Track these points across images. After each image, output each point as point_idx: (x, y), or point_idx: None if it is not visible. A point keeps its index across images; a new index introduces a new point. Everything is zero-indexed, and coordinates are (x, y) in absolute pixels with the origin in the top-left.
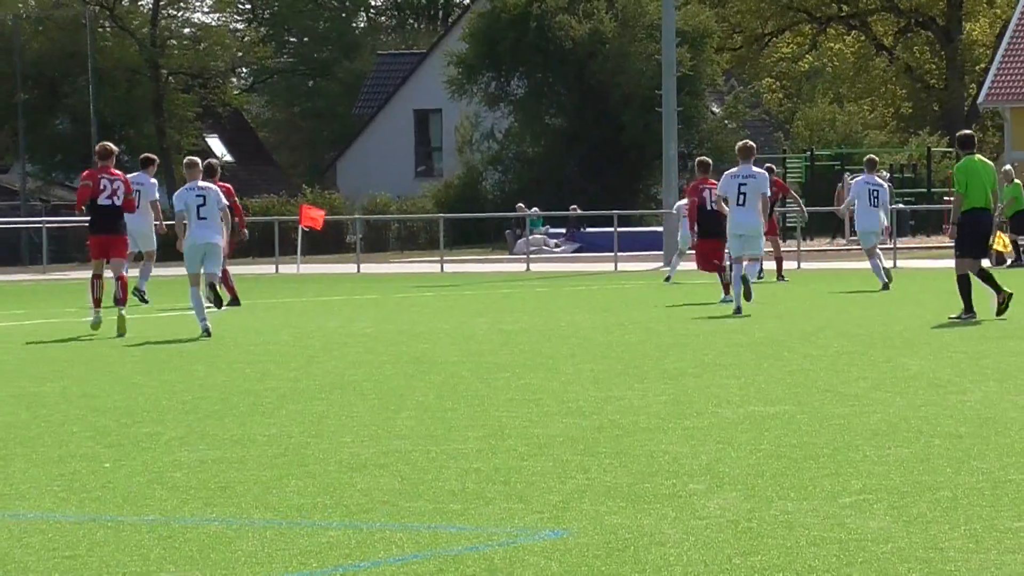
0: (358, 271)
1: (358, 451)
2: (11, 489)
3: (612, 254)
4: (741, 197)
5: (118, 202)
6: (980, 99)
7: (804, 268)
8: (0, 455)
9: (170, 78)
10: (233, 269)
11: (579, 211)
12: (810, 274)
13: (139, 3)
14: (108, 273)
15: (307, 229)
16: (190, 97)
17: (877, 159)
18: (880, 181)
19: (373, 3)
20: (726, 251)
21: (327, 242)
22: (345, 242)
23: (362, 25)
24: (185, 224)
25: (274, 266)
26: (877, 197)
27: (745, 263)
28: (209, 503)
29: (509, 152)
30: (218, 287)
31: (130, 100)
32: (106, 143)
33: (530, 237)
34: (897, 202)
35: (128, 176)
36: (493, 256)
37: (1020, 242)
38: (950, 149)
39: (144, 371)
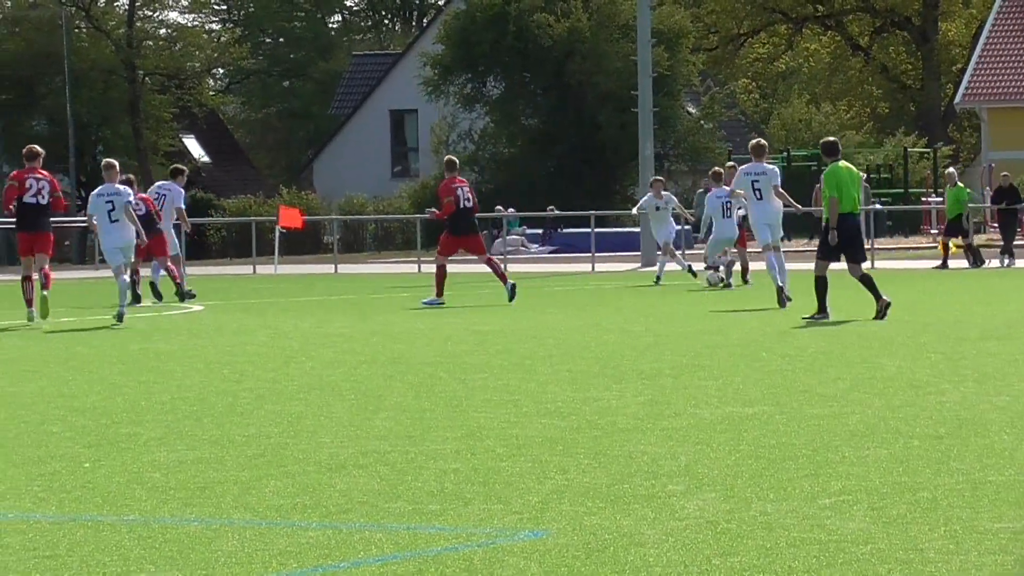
0: (335, 271)
1: (336, 451)
2: None
3: (589, 255)
4: (757, 192)
5: (43, 200)
6: (957, 99)
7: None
8: None
9: (146, 79)
10: (210, 270)
11: (556, 212)
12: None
13: (115, 4)
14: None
15: (285, 230)
16: (166, 98)
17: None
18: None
19: (348, 3)
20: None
21: (304, 243)
22: (322, 242)
23: (337, 25)
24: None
25: (251, 267)
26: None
27: (771, 253)
28: (188, 503)
29: (485, 153)
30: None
31: (106, 101)
32: (32, 145)
33: (507, 238)
34: (874, 202)
35: (157, 183)
36: (470, 256)
37: (972, 244)
38: (927, 150)
39: (122, 372)
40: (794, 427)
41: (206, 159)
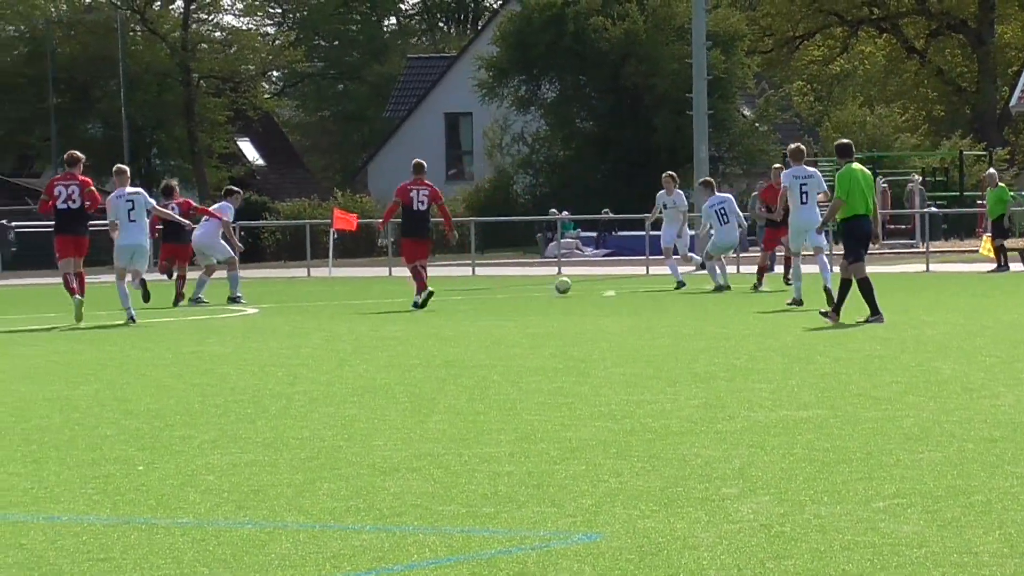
0: (389, 274)
1: (390, 454)
2: (45, 492)
3: (643, 258)
4: (804, 196)
5: (74, 205)
6: (1012, 102)
7: (837, 272)
8: (34, 458)
9: (201, 82)
10: (265, 272)
11: (610, 215)
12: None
13: (170, 7)
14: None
15: (337, 234)
16: (221, 101)
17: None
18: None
19: (402, 6)
20: (783, 248)
21: (358, 245)
22: (376, 245)
23: (392, 28)
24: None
25: (306, 270)
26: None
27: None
28: (242, 506)
29: (539, 156)
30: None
31: (161, 104)
32: (73, 151)
33: (561, 241)
34: (929, 205)
35: (217, 205)
36: (524, 260)
37: (1004, 245)
38: (983, 153)
39: (175, 374)
40: (848, 430)
41: (260, 162)
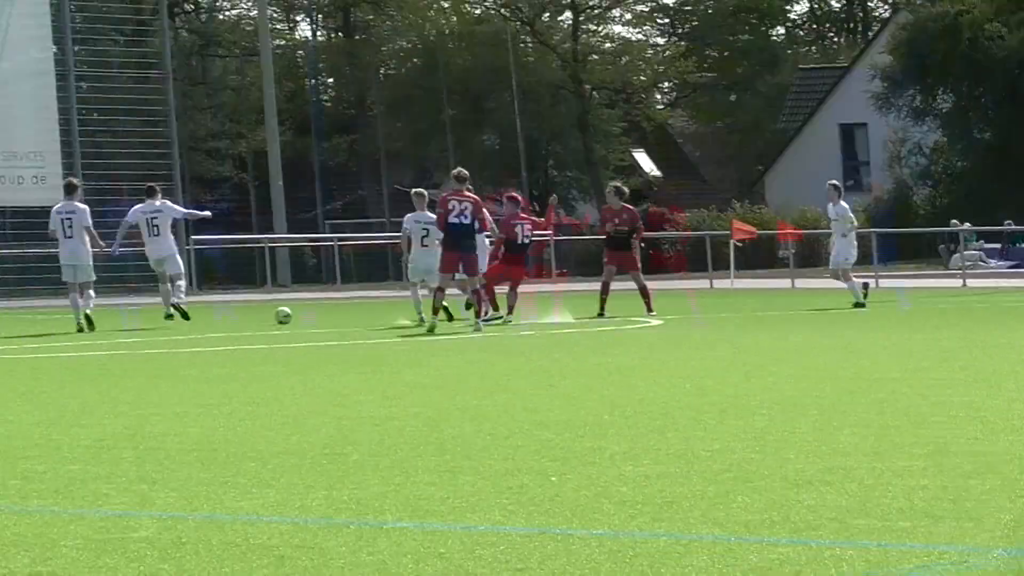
0: (792, 286)
1: (802, 467)
2: (461, 501)
3: None
4: None
5: (465, 220)
6: None
7: None
8: (448, 467)
9: (593, 93)
10: (668, 284)
11: (1012, 226)
12: None
13: (559, 19)
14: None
15: (740, 244)
16: (614, 112)
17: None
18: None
19: (791, 16)
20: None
21: (759, 257)
22: (777, 257)
23: (780, 38)
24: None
25: (708, 281)
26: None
27: None
28: (656, 517)
29: (938, 167)
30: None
31: (554, 115)
32: (461, 169)
33: (965, 252)
34: None
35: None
36: (927, 271)
37: None
38: None
39: (583, 385)
40: None
41: (656, 173)
